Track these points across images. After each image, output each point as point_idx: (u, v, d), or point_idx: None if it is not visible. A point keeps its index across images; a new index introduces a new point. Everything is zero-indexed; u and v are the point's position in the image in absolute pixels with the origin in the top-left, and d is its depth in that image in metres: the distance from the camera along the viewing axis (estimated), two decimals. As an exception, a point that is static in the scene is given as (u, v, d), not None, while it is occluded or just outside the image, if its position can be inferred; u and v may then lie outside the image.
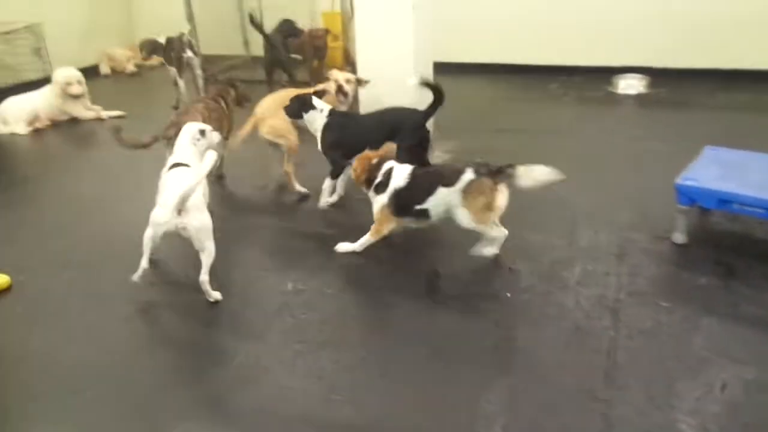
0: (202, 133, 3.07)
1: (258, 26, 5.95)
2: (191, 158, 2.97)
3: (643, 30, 5.90)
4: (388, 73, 3.88)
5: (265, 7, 6.83)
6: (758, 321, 2.40)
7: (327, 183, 3.54)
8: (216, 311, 2.69)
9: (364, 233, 3.04)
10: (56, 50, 6.43)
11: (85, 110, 5.72)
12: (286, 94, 3.72)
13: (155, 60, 6.46)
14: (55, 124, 5.59)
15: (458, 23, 6.26)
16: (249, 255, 3.17)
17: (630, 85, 5.74)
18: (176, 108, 5.68)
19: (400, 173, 2.93)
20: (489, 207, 2.78)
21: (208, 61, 7.26)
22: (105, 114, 5.75)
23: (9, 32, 5.96)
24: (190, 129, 3.08)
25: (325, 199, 3.58)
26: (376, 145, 3.24)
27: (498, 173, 2.76)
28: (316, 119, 3.41)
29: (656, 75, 5.81)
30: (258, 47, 7.30)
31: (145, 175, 4.19)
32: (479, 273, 2.88)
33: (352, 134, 3.41)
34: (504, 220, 3.34)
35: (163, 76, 5.76)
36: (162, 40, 5.84)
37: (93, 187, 4.17)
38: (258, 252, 3.20)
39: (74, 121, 5.66)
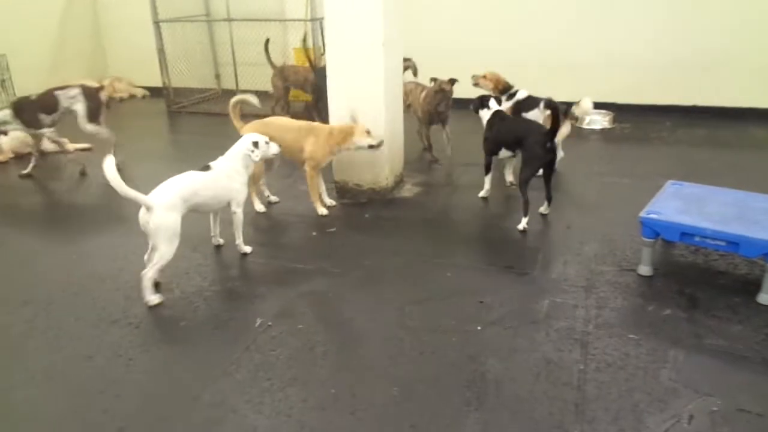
0: (256, 144, 3.33)
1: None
2: (231, 164, 3.29)
3: (607, 67, 6.11)
4: (359, 106, 3.92)
5: (236, 42, 6.88)
6: (721, 352, 2.44)
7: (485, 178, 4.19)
8: (181, 349, 2.62)
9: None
10: (22, 82, 6.35)
11: (50, 143, 5.61)
12: (269, 121, 4.04)
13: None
14: (19, 157, 5.47)
15: (427, 59, 6.39)
16: (217, 290, 3.12)
17: (595, 121, 5.91)
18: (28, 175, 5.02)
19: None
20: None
21: (178, 93, 7.28)
22: (71, 146, 5.65)
23: (-28, 64, 5.85)
24: (247, 139, 3.36)
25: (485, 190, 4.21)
26: (512, 148, 3.94)
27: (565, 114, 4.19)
28: (485, 116, 4.08)
29: (620, 111, 6.01)
30: (228, 80, 7.38)
31: (112, 209, 4.14)
32: (449, 305, 2.88)
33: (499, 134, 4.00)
34: (474, 255, 3.38)
35: (139, 107, 5.61)
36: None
37: (56, 222, 4.08)
38: (227, 286, 3.15)
39: (39, 153, 5.54)
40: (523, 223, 3.64)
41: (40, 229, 4.00)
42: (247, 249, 3.46)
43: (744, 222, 2.86)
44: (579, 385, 2.28)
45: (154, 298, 2.93)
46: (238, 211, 3.35)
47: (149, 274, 2.90)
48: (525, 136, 3.70)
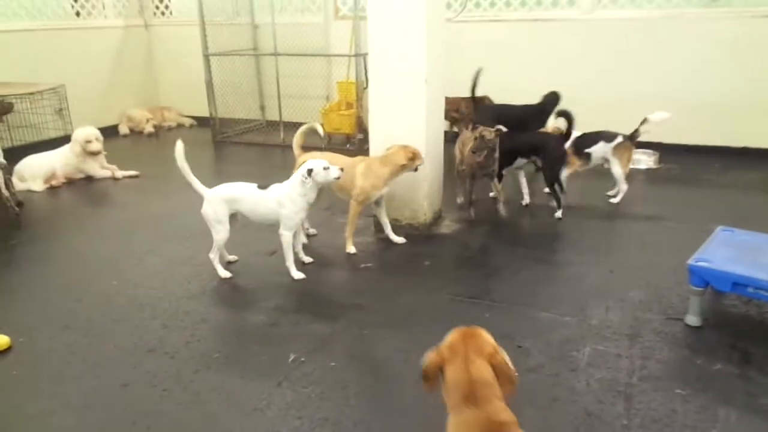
0: (309, 172, 3.39)
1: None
2: (286, 190, 3.44)
3: (653, 106, 5.98)
4: (400, 141, 3.92)
5: (281, 75, 7.04)
6: (778, 413, 2.30)
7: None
8: (214, 382, 2.62)
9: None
10: (78, 110, 6.61)
11: (100, 169, 5.82)
12: (322, 156, 3.91)
13: None
14: (71, 182, 5.67)
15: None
16: (251, 322, 3.12)
17: (640, 160, 5.77)
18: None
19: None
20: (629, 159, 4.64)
21: (223, 123, 7.48)
22: (120, 173, 5.85)
23: (34, 93, 6.15)
24: (304, 166, 3.44)
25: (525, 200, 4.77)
26: (527, 155, 4.51)
27: (632, 137, 4.56)
28: None
29: (666, 151, 5.86)
30: (272, 112, 7.54)
31: (155, 237, 4.23)
32: (486, 350, 2.80)
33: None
34: (513, 297, 3.30)
35: (186, 135, 5.72)
36: None
37: (102, 247, 4.18)
38: (261, 319, 3.15)
39: (89, 179, 5.76)
40: (558, 213, 4.37)
41: (84, 255, 4.10)
42: (298, 275, 3.53)
43: (801, 274, 2.71)
44: (622, 442, 2.17)
45: (224, 273, 3.56)
46: (285, 234, 3.47)
47: (210, 255, 3.56)
48: (541, 144, 4.40)
